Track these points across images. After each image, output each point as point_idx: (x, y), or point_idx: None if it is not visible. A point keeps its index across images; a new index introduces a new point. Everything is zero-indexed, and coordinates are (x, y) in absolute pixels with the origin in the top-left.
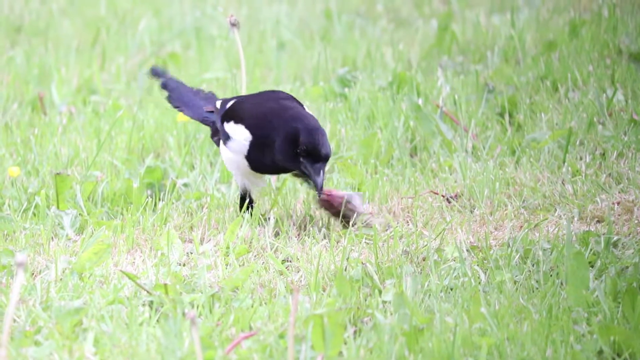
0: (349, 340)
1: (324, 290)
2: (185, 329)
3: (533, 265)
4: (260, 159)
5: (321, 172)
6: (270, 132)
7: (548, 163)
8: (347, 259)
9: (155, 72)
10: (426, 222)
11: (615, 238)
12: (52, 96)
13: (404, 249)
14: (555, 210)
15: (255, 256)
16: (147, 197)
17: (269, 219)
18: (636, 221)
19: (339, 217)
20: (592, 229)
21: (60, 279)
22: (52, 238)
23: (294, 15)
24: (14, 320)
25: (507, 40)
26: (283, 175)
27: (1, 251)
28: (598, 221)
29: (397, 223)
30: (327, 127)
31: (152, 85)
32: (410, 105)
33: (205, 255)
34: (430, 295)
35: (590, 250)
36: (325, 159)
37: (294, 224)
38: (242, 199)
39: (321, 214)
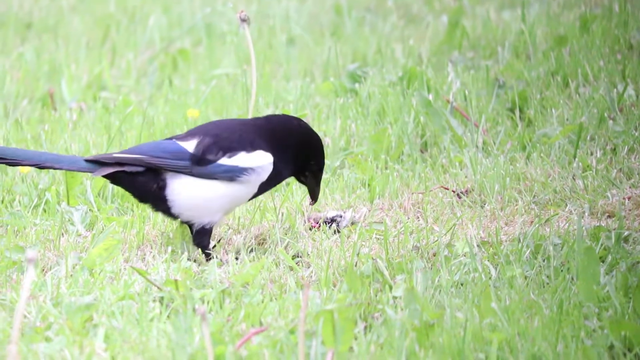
0: (359, 335)
1: (334, 286)
2: (195, 324)
3: (544, 261)
4: (271, 180)
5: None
6: (286, 149)
7: (559, 158)
8: (358, 254)
9: None
10: (437, 217)
11: (626, 233)
12: (62, 92)
13: (415, 244)
14: (566, 205)
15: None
16: None
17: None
18: None
19: None
20: (603, 224)
21: (71, 275)
22: (63, 234)
23: (304, 10)
24: (25, 317)
25: (517, 36)
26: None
27: (12, 247)
28: (609, 216)
29: (408, 218)
30: (337, 123)
31: (162, 81)
32: (420, 100)
33: (215, 251)
34: (440, 290)
35: (601, 245)
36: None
37: (305, 221)
38: (208, 235)
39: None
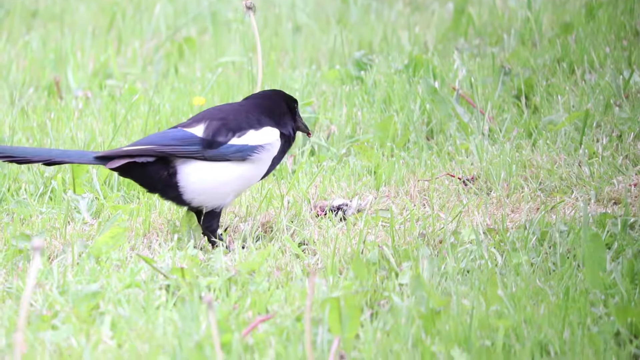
0: (365, 323)
1: (340, 273)
2: (202, 312)
3: (550, 248)
4: (283, 151)
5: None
6: (279, 118)
7: (565, 145)
8: (364, 241)
9: None
10: (443, 204)
11: (632, 220)
12: (68, 80)
13: (421, 231)
14: (572, 192)
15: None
16: None
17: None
18: None
19: None
20: (609, 211)
21: (77, 263)
22: (69, 222)
23: None
24: (31, 305)
25: (523, 23)
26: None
27: (18, 235)
28: (615, 203)
29: (414, 206)
30: (343, 110)
31: (168, 69)
32: (426, 88)
33: (222, 238)
34: (447, 277)
35: (607, 232)
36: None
37: (311, 208)
38: (217, 218)
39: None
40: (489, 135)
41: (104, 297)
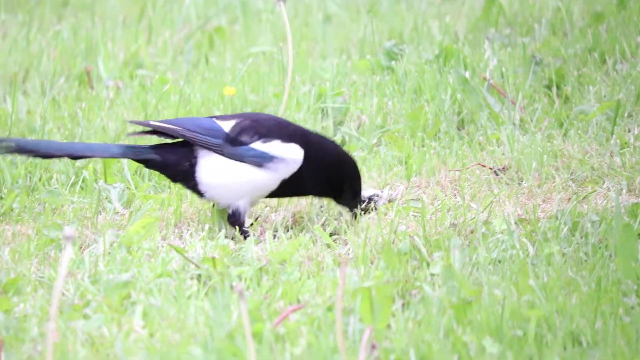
0: (397, 312)
1: (371, 263)
2: (233, 302)
3: (581, 238)
4: (293, 182)
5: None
6: (321, 156)
7: (596, 135)
8: (395, 231)
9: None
10: (474, 194)
11: None
12: (99, 70)
13: (452, 221)
14: (604, 182)
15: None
16: None
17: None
18: None
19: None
20: None
21: (109, 253)
22: (100, 212)
23: None
24: (63, 294)
25: (554, 12)
26: None
27: (49, 225)
28: None
29: (445, 196)
30: (374, 101)
31: (198, 59)
32: (457, 78)
33: (252, 229)
34: (478, 267)
35: (639, 222)
36: None
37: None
38: (240, 217)
39: None
40: (520, 125)
41: (135, 287)
